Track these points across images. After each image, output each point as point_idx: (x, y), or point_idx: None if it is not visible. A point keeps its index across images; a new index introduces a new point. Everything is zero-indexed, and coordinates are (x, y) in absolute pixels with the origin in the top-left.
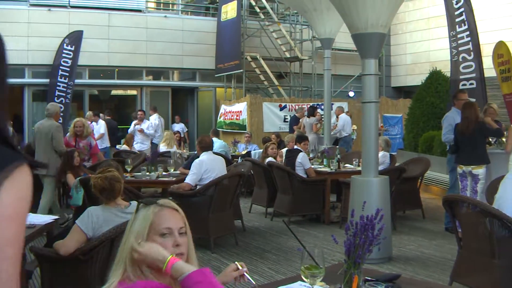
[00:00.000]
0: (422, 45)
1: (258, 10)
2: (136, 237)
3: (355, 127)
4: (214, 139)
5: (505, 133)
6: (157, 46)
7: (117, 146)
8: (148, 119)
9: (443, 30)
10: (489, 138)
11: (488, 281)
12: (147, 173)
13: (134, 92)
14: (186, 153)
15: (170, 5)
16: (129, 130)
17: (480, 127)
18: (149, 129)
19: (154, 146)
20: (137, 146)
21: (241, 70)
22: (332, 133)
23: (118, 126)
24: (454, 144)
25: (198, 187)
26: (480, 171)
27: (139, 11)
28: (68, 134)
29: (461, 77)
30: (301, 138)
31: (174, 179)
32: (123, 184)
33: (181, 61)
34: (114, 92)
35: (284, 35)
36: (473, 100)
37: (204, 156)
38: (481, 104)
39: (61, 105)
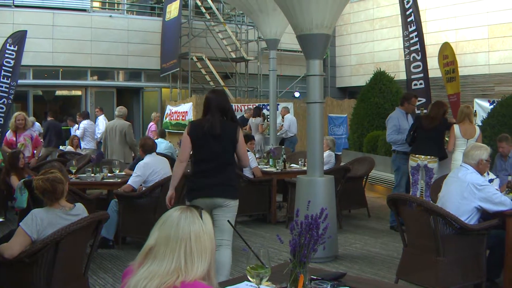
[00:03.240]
0: (367, 46)
1: (204, 10)
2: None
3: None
4: (160, 140)
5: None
6: (102, 46)
7: (61, 147)
8: (95, 120)
9: (387, 31)
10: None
11: (433, 277)
12: (92, 175)
13: (78, 92)
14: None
15: (116, 4)
16: (77, 132)
17: (443, 122)
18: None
19: (101, 146)
20: (83, 144)
21: (177, 69)
22: (278, 133)
23: (63, 128)
24: (412, 136)
25: (144, 189)
26: (435, 165)
27: (84, 10)
28: (7, 131)
29: (413, 76)
30: (247, 138)
31: (119, 180)
32: (66, 185)
33: (126, 61)
34: (58, 92)
35: (230, 36)
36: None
37: (149, 158)
38: (427, 104)
39: (3, 106)
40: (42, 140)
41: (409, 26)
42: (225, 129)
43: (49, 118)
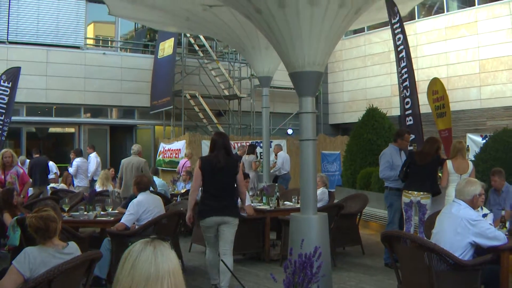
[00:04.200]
0: (359, 82)
1: (197, 48)
2: None
3: None
4: (154, 177)
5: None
6: (96, 83)
7: (53, 185)
8: (87, 158)
9: (379, 67)
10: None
11: None
12: (85, 213)
13: (72, 129)
14: None
15: (109, 42)
16: (70, 170)
17: (436, 158)
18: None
19: (94, 184)
20: (76, 182)
21: (171, 107)
22: (271, 171)
23: (58, 165)
24: (404, 172)
25: (136, 227)
26: (428, 201)
27: (78, 47)
28: None
29: (406, 112)
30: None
31: (112, 218)
32: (59, 224)
33: (119, 99)
34: (52, 129)
35: (223, 73)
36: (412, 136)
37: (142, 196)
38: (419, 140)
39: None
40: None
41: (401, 62)
42: (228, 163)
43: (34, 155)
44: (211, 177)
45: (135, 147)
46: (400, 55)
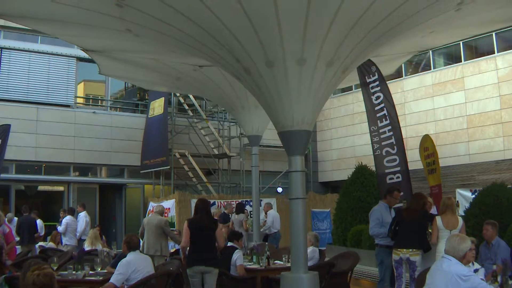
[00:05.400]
0: (348, 140)
1: (186, 107)
2: None
3: None
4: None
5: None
6: (85, 142)
7: (41, 243)
8: (77, 217)
9: (367, 125)
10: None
11: None
12: (74, 272)
13: (61, 188)
14: (114, 251)
15: (99, 101)
16: (60, 228)
17: (424, 214)
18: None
19: (82, 243)
20: (64, 240)
21: (168, 167)
22: (261, 229)
23: (46, 223)
24: (393, 230)
25: (126, 287)
26: (417, 258)
27: (68, 106)
28: None
29: (387, 171)
30: (236, 236)
31: (101, 278)
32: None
33: (109, 158)
34: (41, 187)
35: (213, 132)
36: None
37: (132, 255)
38: (408, 197)
39: None
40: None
41: (379, 121)
42: (209, 222)
43: (24, 213)
44: (197, 234)
45: (158, 207)
46: (380, 114)
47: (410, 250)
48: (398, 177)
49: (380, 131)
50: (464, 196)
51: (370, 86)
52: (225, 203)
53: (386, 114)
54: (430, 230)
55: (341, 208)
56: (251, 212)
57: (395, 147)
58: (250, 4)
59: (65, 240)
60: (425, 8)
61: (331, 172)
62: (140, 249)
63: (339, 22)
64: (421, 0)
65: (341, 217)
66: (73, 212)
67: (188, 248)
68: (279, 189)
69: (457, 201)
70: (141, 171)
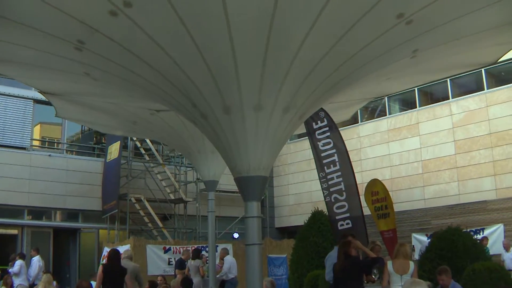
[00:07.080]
0: (304, 185)
1: (143, 151)
2: None
3: None
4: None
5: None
6: (40, 185)
7: None
8: (30, 261)
9: None
10: (372, 272)
11: None
12: None
13: (14, 231)
14: None
15: (55, 144)
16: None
17: (351, 262)
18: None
19: None
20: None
21: (116, 210)
22: (217, 275)
23: None
24: (334, 284)
25: None
26: None
27: (23, 148)
28: None
29: (337, 217)
30: (188, 282)
31: None
32: None
33: (64, 201)
34: None
35: (169, 177)
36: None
37: None
38: (364, 243)
39: None
40: None
41: (326, 167)
42: (121, 269)
43: None
44: (110, 278)
45: (127, 251)
46: (327, 160)
47: None
48: (348, 223)
49: (328, 177)
50: (420, 241)
51: (317, 133)
52: (182, 249)
53: (336, 160)
54: (374, 275)
55: (298, 253)
56: (208, 258)
57: (344, 193)
58: (209, 54)
59: (18, 281)
60: (380, 56)
61: (287, 218)
62: None
63: (295, 71)
64: (376, 48)
65: (298, 262)
66: (24, 257)
67: None
68: (236, 235)
69: (413, 245)
70: (102, 216)
